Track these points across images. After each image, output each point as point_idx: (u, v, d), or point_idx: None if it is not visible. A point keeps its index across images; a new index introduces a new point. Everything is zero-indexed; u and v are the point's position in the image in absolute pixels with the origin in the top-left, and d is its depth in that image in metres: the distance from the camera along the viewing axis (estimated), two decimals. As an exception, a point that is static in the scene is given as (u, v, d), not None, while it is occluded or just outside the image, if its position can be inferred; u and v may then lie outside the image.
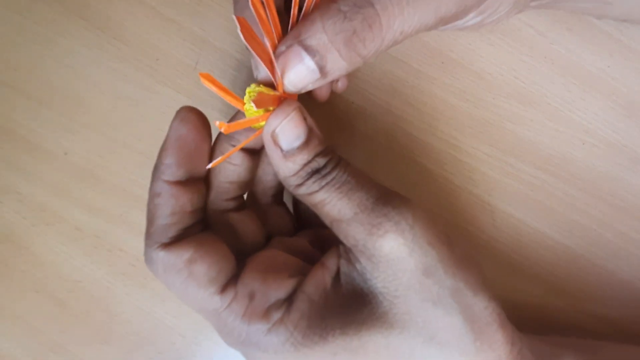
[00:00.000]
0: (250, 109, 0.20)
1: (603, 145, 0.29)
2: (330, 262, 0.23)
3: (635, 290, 0.30)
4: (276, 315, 0.21)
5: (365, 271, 0.21)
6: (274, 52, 0.19)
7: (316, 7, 0.19)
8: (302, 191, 0.21)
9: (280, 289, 0.22)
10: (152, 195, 0.22)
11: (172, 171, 0.21)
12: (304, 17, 0.19)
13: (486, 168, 0.29)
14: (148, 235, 0.22)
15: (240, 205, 0.25)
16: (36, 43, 0.30)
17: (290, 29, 0.20)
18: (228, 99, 0.20)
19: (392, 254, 0.21)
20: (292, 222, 0.27)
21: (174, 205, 0.21)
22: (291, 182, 0.21)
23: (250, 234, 0.25)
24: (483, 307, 0.22)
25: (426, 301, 0.21)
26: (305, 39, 0.19)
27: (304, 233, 0.27)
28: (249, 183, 0.25)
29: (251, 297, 0.21)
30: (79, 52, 0.29)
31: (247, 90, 0.21)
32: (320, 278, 0.22)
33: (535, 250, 0.30)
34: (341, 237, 0.22)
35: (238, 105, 0.21)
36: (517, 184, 0.29)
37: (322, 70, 0.19)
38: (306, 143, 0.21)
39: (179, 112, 0.22)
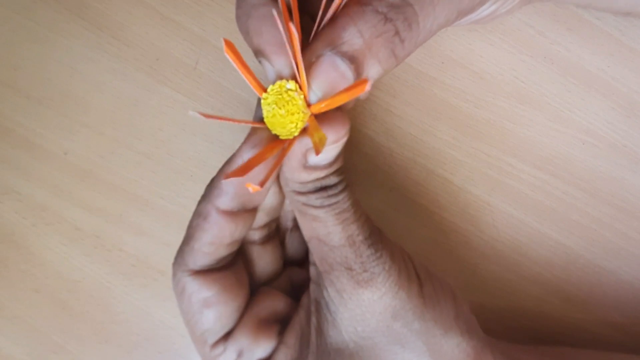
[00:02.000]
0: (272, 112, 0.18)
1: (603, 145, 0.29)
2: (305, 298, 0.23)
3: (635, 290, 0.30)
4: None
5: (331, 303, 0.21)
6: (297, 64, 0.17)
7: (339, 15, 0.18)
8: (299, 199, 0.20)
9: (266, 349, 0.22)
10: (198, 213, 0.21)
11: (226, 200, 0.20)
12: (328, 24, 0.18)
13: (486, 168, 0.29)
14: (181, 251, 0.22)
15: (266, 236, 0.24)
16: (36, 43, 0.30)
17: (313, 38, 0.18)
18: (249, 79, 0.18)
19: (365, 296, 0.20)
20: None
21: (215, 236, 0.21)
22: (293, 187, 0.20)
23: (265, 269, 0.24)
24: (454, 345, 0.21)
25: (395, 344, 0.21)
26: (341, 46, 0.17)
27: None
28: (273, 209, 0.24)
29: (239, 354, 0.22)
30: (79, 52, 0.29)
31: (271, 87, 0.18)
32: (297, 322, 0.22)
33: (535, 250, 0.30)
34: (316, 257, 0.21)
35: (257, 91, 0.18)
36: (517, 184, 0.29)
37: (358, 77, 0.18)
38: (331, 163, 0.20)
39: (250, 137, 0.20)
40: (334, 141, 0.18)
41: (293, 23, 0.16)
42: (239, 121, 0.18)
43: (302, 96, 0.17)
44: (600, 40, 0.29)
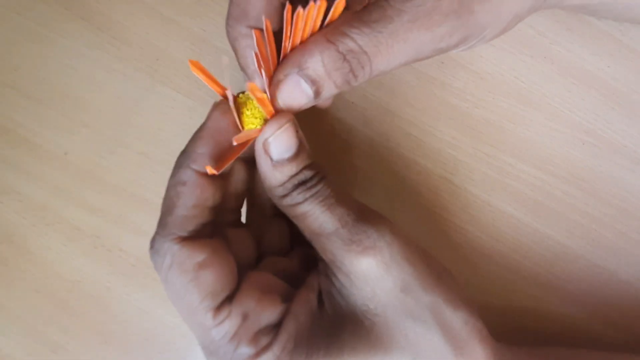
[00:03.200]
0: (249, 117, 0.22)
1: (603, 145, 0.29)
2: (313, 281, 0.23)
3: (635, 290, 0.30)
4: (264, 340, 0.21)
5: (342, 288, 0.22)
6: (270, 81, 0.21)
7: (308, 41, 0.21)
8: (286, 202, 0.22)
9: (273, 313, 0.22)
10: (176, 183, 0.21)
11: (204, 161, 0.21)
12: (298, 48, 0.21)
13: (486, 168, 0.29)
14: (163, 224, 0.21)
15: (237, 221, 0.25)
16: (36, 43, 0.30)
17: (282, 59, 0.21)
18: (214, 87, 0.21)
19: (370, 272, 0.21)
20: (289, 237, 0.27)
21: (199, 197, 0.21)
22: (277, 193, 0.22)
23: (244, 252, 0.25)
24: (463, 323, 0.22)
25: (406, 318, 0.22)
26: (305, 70, 0.20)
27: (296, 252, 0.26)
28: (243, 195, 0.26)
29: (245, 318, 0.21)
30: (79, 52, 0.29)
31: (240, 96, 0.22)
32: (306, 298, 0.23)
33: (535, 250, 0.30)
34: (320, 251, 0.22)
35: (219, 92, 0.22)
36: (517, 184, 0.29)
37: (317, 96, 0.21)
38: (296, 155, 0.22)
39: (219, 105, 0.22)
40: (278, 127, 0.21)
41: (271, 59, 0.21)
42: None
43: (267, 109, 0.21)
44: (600, 40, 0.29)
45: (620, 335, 0.30)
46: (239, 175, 0.25)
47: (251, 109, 0.22)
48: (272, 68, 0.21)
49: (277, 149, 0.21)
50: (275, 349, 0.21)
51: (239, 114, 0.22)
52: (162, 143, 0.30)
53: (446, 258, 0.30)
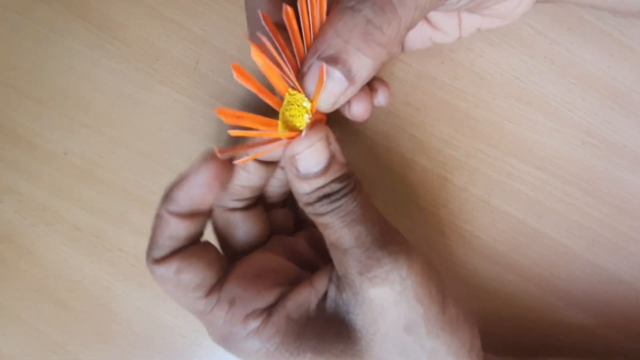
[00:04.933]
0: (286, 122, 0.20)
1: (603, 145, 0.29)
2: (320, 283, 0.23)
3: (635, 290, 0.30)
4: (253, 323, 0.22)
5: (349, 304, 0.21)
6: (297, 76, 0.19)
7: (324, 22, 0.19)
8: (309, 210, 0.21)
9: (260, 299, 0.22)
10: (156, 215, 0.22)
11: (176, 207, 0.22)
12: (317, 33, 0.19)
13: (486, 168, 0.29)
14: (148, 248, 0.23)
15: (249, 205, 0.25)
16: (36, 43, 0.30)
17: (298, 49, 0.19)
18: (262, 95, 0.20)
19: (377, 300, 0.21)
20: (293, 222, 0.27)
21: (171, 231, 0.22)
22: (301, 199, 0.21)
23: (252, 232, 0.25)
24: None
25: (401, 355, 0.21)
26: (323, 52, 0.18)
27: (303, 232, 0.27)
28: (261, 188, 0.25)
29: (231, 303, 0.22)
30: (79, 52, 0.30)
31: (286, 95, 0.20)
32: (305, 298, 0.22)
33: (535, 250, 0.30)
34: (335, 262, 0.22)
35: (273, 105, 0.20)
36: (517, 184, 0.29)
37: (348, 76, 0.18)
38: (325, 170, 0.21)
39: (207, 155, 0.22)
40: (309, 145, 0.20)
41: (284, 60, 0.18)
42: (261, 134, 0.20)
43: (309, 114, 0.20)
44: (600, 40, 0.29)
45: (621, 335, 0.30)
46: (257, 173, 0.24)
47: (293, 110, 0.20)
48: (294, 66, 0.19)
49: (304, 165, 0.20)
50: (262, 337, 0.22)
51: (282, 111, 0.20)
52: (162, 143, 0.30)
53: (446, 259, 0.30)
